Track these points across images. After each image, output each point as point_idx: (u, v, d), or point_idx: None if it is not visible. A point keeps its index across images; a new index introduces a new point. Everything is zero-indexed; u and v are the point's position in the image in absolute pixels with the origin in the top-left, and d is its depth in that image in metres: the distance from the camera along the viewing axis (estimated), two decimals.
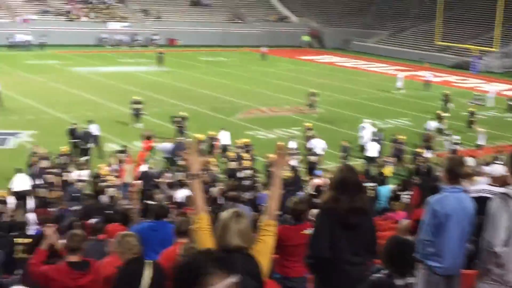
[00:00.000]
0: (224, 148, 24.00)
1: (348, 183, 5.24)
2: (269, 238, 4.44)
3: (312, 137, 24.45)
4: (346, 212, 5.15)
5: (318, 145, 23.46)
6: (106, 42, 60.96)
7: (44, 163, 19.08)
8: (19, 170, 18.13)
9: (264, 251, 4.33)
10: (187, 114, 27.21)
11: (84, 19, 62.53)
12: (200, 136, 23.65)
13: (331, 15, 73.57)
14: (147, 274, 4.14)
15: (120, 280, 4.25)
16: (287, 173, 17.81)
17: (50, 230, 7.03)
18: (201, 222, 4.39)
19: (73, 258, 6.34)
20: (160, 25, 64.60)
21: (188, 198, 12.96)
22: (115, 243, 6.17)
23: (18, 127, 27.46)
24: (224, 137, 24.53)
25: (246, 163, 20.59)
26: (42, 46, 55.53)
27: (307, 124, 26.51)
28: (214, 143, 23.91)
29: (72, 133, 23.57)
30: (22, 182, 17.55)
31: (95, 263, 6.46)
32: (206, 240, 4.28)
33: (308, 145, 23.81)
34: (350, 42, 68.37)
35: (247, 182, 18.53)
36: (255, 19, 71.34)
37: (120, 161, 19.98)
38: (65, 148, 21.92)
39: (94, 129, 24.04)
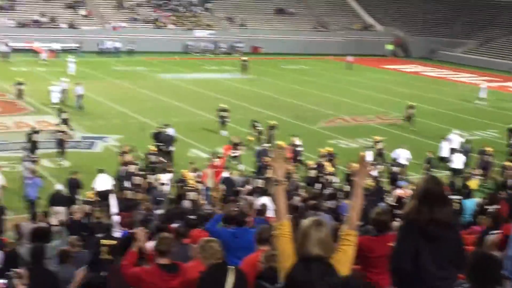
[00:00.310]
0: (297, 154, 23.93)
1: (431, 194, 5.09)
2: (349, 248, 4.40)
3: (382, 150, 24.14)
4: (427, 223, 5.03)
5: (402, 155, 23.10)
6: (192, 49, 62.10)
7: (132, 168, 19.55)
8: (101, 171, 18.66)
9: (343, 261, 4.29)
10: (277, 123, 27.27)
11: (170, 26, 63.89)
12: (283, 143, 23.67)
13: (417, 24, 72.33)
14: (230, 280, 4.18)
15: (203, 284, 4.32)
16: (370, 183, 17.61)
17: (141, 233, 7.19)
18: (283, 229, 4.36)
19: (163, 260, 6.49)
20: (244, 32, 65.23)
21: (265, 206, 13.02)
22: (199, 248, 6.28)
23: (105, 131, 28.24)
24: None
25: (328, 171, 20.49)
26: (130, 52, 57.12)
27: (376, 137, 25.67)
28: (297, 149, 23.89)
29: (157, 136, 24.14)
30: (104, 182, 18.07)
31: (183, 265, 6.59)
32: (287, 247, 4.26)
33: (393, 155, 23.48)
34: (436, 52, 67.03)
35: (328, 191, 18.42)
36: (339, 28, 71.00)
37: (203, 166, 20.31)
38: (153, 147, 22.49)
39: (171, 132, 24.59)
